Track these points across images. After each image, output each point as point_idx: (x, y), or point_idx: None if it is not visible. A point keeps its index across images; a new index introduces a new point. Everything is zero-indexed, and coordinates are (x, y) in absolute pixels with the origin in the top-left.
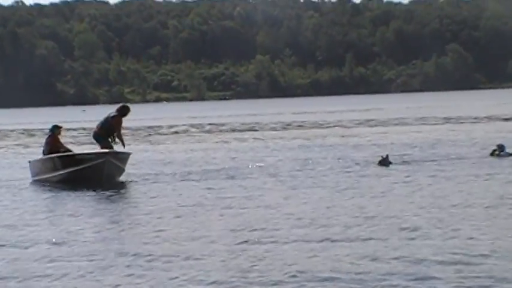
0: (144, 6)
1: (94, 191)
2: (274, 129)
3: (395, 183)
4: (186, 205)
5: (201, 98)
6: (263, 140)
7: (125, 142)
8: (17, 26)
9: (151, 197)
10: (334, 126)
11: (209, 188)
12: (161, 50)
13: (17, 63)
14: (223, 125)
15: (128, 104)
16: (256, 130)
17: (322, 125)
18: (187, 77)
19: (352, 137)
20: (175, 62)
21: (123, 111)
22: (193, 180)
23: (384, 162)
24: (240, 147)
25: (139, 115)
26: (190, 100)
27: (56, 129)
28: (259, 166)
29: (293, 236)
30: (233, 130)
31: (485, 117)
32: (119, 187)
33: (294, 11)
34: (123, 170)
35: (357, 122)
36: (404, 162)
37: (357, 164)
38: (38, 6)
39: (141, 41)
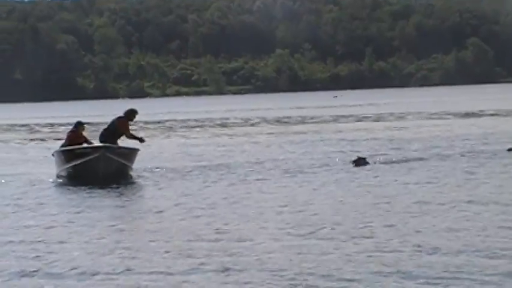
0: (163, 0)
1: (92, 187)
2: (277, 123)
3: (355, 185)
4: (180, 202)
5: (220, 92)
6: (264, 134)
7: (139, 136)
8: (37, 20)
9: (157, 194)
10: (330, 121)
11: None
12: (181, 44)
13: (37, 58)
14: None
15: (136, 108)
16: (256, 125)
17: (327, 119)
18: (207, 71)
19: (350, 131)
20: (194, 57)
21: (131, 116)
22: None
23: (359, 162)
24: (233, 142)
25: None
26: (210, 94)
27: (79, 126)
28: (253, 162)
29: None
30: (231, 125)
31: (505, 112)
32: (124, 183)
33: (313, 5)
34: (128, 167)
35: (366, 116)
36: (385, 163)
37: (334, 162)
38: (58, 0)
39: (161, 36)
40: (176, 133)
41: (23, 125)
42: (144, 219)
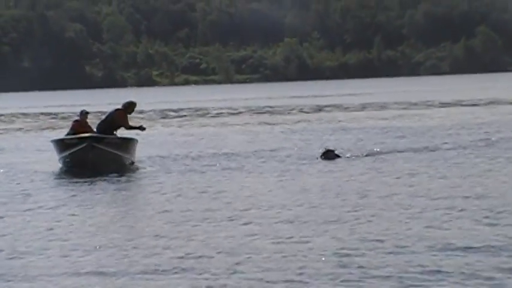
0: None
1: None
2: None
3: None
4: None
5: (229, 81)
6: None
7: (139, 125)
8: (46, 8)
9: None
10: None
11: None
12: (189, 32)
13: (45, 46)
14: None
15: (135, 101)
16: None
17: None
18: (216, 59)
19: (339, 122)
20: (203, 45)
21: (129, 109)
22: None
23: (328, 155)
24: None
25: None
26: (219, 83)
27: (84, 114)
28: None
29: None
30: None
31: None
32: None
33: None
34: (122, 157)
35: (358, 105)
36: (358, 156)
37: (305, 155)
38: None
39: (169, 24)
40: (166, 122)
41: (31, 114)
42: (128, 207)
